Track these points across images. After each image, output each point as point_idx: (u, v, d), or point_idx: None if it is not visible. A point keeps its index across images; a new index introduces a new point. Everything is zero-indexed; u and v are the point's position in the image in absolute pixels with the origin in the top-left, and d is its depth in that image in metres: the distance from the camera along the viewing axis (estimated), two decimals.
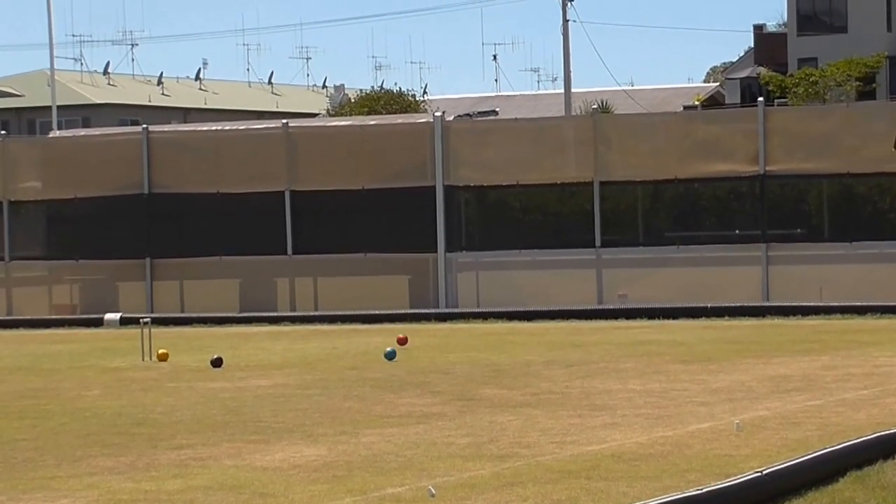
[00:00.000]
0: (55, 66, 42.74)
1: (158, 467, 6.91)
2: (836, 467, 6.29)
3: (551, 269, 18.05)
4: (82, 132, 24.13)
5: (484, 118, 23.43)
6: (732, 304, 16.39)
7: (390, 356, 11.50)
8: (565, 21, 52.03)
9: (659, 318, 16.19)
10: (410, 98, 53.30)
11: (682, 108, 45.77)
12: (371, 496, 6.07)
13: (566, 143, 18.41)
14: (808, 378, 9.84)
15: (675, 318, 16.07)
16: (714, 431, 7.52)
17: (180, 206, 18.81)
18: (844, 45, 52.46)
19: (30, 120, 62.92)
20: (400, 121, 21.21)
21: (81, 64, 68.58)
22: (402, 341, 12.42)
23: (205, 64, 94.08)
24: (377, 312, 17.35)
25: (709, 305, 16.34)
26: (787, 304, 16.37)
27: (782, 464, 6.12)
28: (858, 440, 6.67)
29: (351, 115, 44.48)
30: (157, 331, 13.36)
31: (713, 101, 57.95)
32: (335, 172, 18.39)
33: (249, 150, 18.87)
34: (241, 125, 20.67)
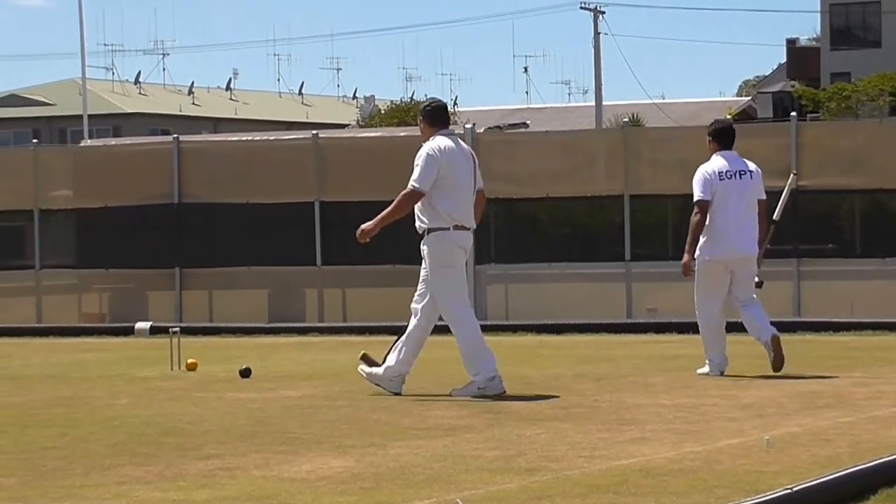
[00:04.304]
0: (87, 76, 43.06)
1: (186, 477, 6.91)
2: (867, 485, 6.24)
3: (580, 282, 18.02)
4: (113, 141, 24.23)
5: (514, 130, 23.43)
6: None
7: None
8: (596, 34, 52.04)
9: (689, 332, 16.07)
10: None
11: None
12: None
13: (596, 157, 18.38)
14: (838, 395, 9.78)
15: None
16: (744, 447, 7.47)
17: (210, 216, 18.86)
18: (878, 60, 52.20)
19: (61, 129, 63.24)
20: None
21: (113, 73, 68.96)
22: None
23: (235, 74, 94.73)
24: (406, 324, 17.31)
25: (739, 320, 16.23)
26: (818, 319, 16.28)
27: (812, 481, 6.07)
28: (890, 458, 6.61)
29: (381, 126, 44.61)
30: (186, 340, 13.39)
31: (745, 116, 57.76)
32: (365, 183, 18.40)
33: (279, 160, 18.91)
34: (272, 135, 20.73)
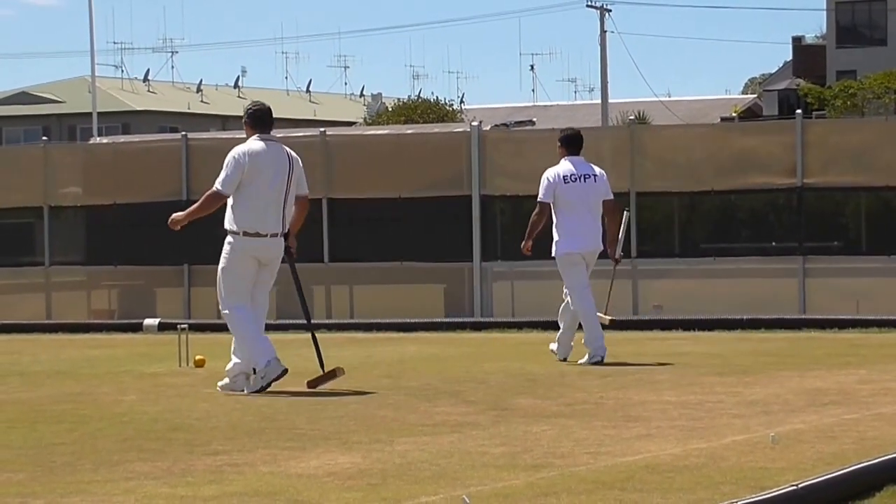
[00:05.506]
0: (96, 73, 43.11)
1: (194, 473, 6.96)
2: (873, 481, 6.27)
3: None
4: (122, 139, 24.29)
5: (521, 128, 23.47)
6: (768, 317, 16.33)
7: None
8: (603, 31, 52.06)
9: (694, 329, 16.17)
10: (447, 107, 53.38)
11: (719, 120, 45.69)
12: None
13: (602, 154, 18.39)
14: (844, 392, 9.81)
15: (710, 329, 16.03)
16: (749, 444, 7.50)
17: (218, 213, 18.86)
18: (883, 58, 52.14)
19: (70, 126, 63.37)
20: (437, 130, 21.25)
21: (122, 71, 69.06)
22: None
23: (243, 72, 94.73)
24: (412, 321, 17.38)
25: (745, 317, 16.29)
26: (824, 316, 16.31)
27: (818, 477, 6.10)
28: (895, 455, 6.64)
29: (388, 123, 44.64)
30: (194, 337, 13.44)
31: (751, 113, 57.79)
32: (372, 181, 18.45)
33: None
34: (279, 133, 20.73)
